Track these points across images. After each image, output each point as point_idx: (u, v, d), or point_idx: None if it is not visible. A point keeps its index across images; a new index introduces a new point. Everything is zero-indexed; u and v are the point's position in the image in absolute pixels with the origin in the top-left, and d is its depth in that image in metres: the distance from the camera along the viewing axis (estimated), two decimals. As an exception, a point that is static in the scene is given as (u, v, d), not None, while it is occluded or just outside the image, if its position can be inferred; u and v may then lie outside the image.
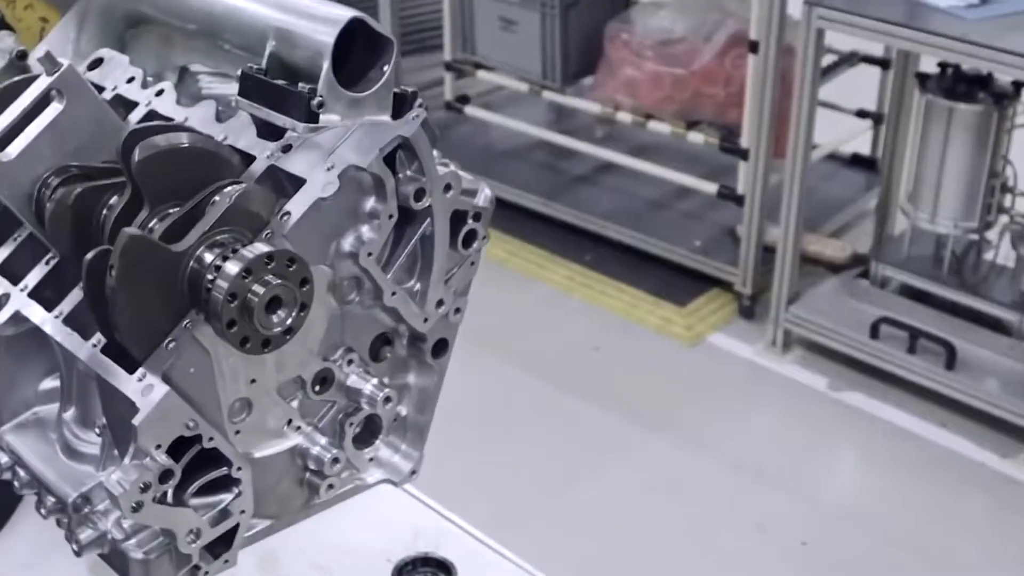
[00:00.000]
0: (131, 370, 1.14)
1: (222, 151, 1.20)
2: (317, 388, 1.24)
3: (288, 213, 1.14)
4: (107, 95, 1.35)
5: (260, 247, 1.09)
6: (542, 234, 5.17)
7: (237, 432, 1.20)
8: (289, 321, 1.11)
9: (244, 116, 1.23)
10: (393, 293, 1.22)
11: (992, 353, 4.16)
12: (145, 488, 1.13)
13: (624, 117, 4.91)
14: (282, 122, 1.16)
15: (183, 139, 1.17)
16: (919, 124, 4.25)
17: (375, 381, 1.25)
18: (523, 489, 3.81)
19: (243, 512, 1.23)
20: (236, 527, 1.24)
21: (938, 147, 4.15)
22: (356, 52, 1.17)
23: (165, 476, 1.14)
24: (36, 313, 1.27)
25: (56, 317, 1.24)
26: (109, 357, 1.17)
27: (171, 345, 1.12)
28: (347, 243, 1.18)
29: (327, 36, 1.14)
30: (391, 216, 1.18)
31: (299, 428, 1.25)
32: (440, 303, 1.26)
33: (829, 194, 5.20)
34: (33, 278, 1.29)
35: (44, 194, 1.25)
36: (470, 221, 1.24)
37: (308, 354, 1.22)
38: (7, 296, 1.29)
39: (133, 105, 1.34)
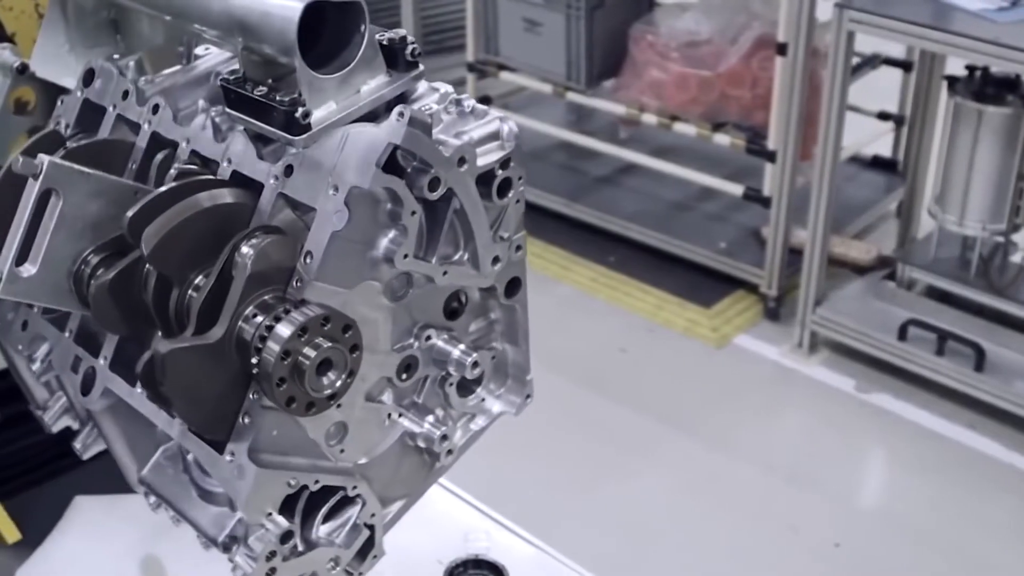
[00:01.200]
0: (220, 447, 1.16)
1: (227, 199, 1.18)
2: (404, 376, 1.24)
3: (310, 253, 1.11)
4: (109, 118, 1.35)
5: (315, 309, 1.09)
6: (565, 235, 5.18)
7: (341, 451, 1.21)
8: (338, 384, 1.12)
9: (241, 136, 1.21)
10: (444, 272, 1.20)
11: (1020, 355, 4.17)
12: (272, 556, 1.18)
13: (649, 119, 4.91)
14: (277, 138, 1.17)
15: (186, 209, 1.15)
16: (947, 127, 4.26)
17: (461, 347, 1.24)
18: (554, 490, 3.82)
19: (373, 515, 1.26)
20: (372, 530, 1.27)
21: (966, 150, 4.16)
22: (329, 23, 1.15)
23: (286, 537, 1.19)
24: (121, 387, 1.28)
25: (140, 392, 1.25)
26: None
27: (246, 420, 1.14)
28: (380, 251, 1.15)
29: (289, 31, 1.11)
30: (413, 213, 1.14)
31: (401, 415, 1.25)
32: (496, 259, 1.23)
33: (851, 196, 5.20)
34: (108, 348, 1.30)
35: (83, 272, 1.25)
36: (499, 172, 1.18)
37: (384, 356, 1.22)
38: (93, 369, 1.30)
39: (135, 126, 1.33)
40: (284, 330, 1.07)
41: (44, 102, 1.68)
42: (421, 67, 1.18)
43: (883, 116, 5.31)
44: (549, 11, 5.09)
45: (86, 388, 1.32)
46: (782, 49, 4.31)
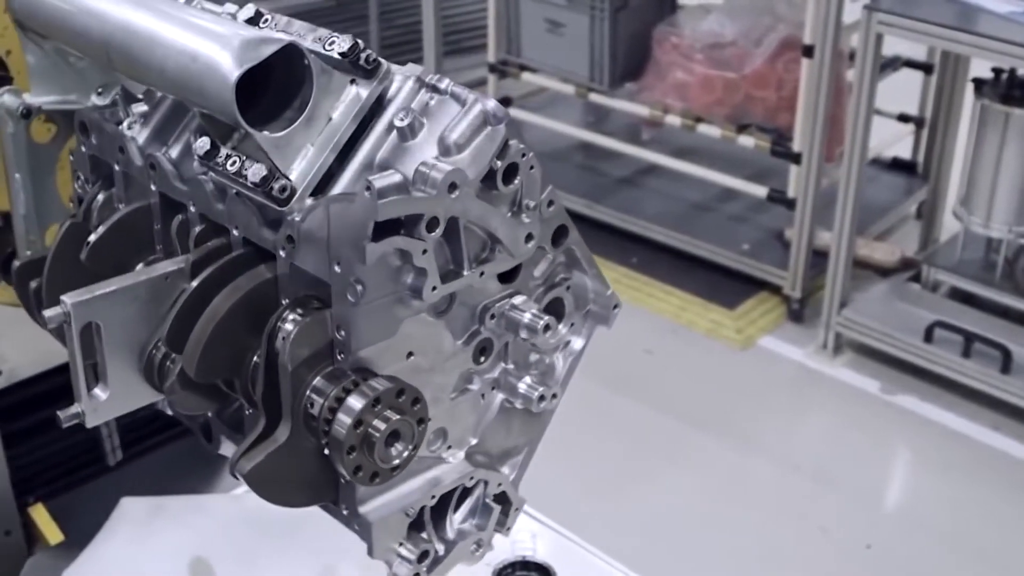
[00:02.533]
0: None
1: (247, 286, 1.17)
2: (483, 360, 1.24)
3: (340, 329, 1.11)
4: (118, 176, 1.35)
5: (384, 383, 1.10)
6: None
7: (448, 448, 1.23)
8: (405, 455, 1.13)
9: (239, 202, 1.20)
10: (481, 274, 1.18)
11: (1045, 357, 4.17)
12: None
13: (673, 120, 4.92)
14: (272, 212, 1.15)
15: (213, 316, 1.16)
16: (973, 129, 4.27)
17: (529, 313, 1.21)
18: (581, 491, 3.82)
19: (500, 485, 1.29)
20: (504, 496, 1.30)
21: (993, 152, 4.17)
22: (268, 69, 1.10)
23: (423, 557, 1.23)
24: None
25: None
26: None
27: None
28: (408, 292, 1.13)
29: (228, 105, 1.07)
30: (424, 252, 1.10)
31: (494, 388, 1.26)
32: (529, 236, 1.19)
33: (871, 198, 5.19)
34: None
35: (154, 358, 1.26)
36: (499, 163, 1.14)
37: (453, 356, 1.22)
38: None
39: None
40: (356, 403, 1.09)
41: (63, 125, 1.67)
42: (384, 65, 1.13)
43: (903, 118, 5.31)
44: (572, 12, 5.09)
45: (207, 436, 1.34)
46: (809, 51, 4.31)
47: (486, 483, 1.28)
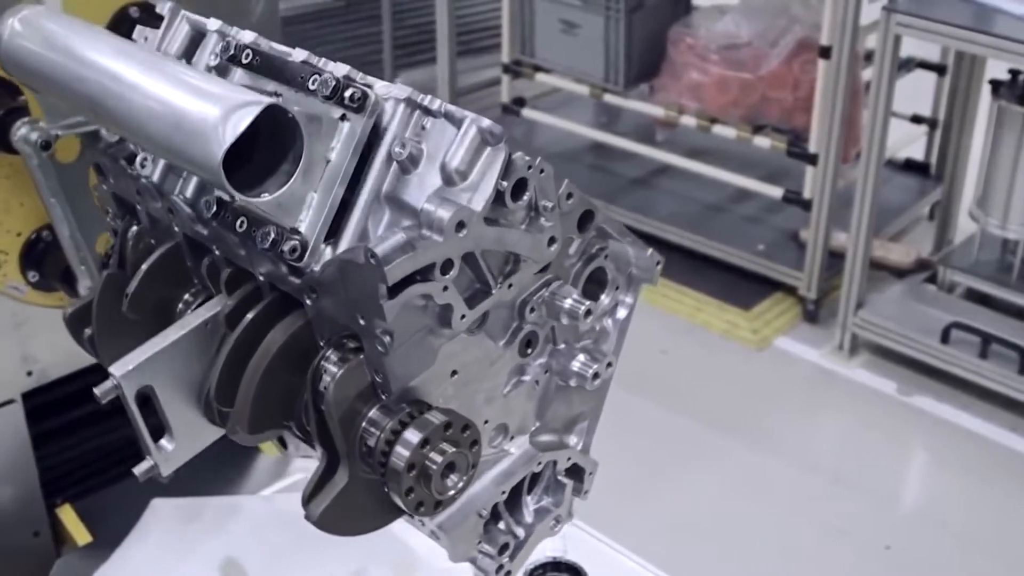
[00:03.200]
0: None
1: (282, 338, 1.17)
2: (530, 351, 1.23)
3: (377, 372, 1.11)
4: (142, 214, 1.34)
5: (439, 416, 1.11)
6: None
7: (511, 439, 1.24)
8: (461, 484, 1.13)
9: (260, 252, 1.18)
10: (510, 285, 1.16)
11: (1062, 358, 4.18)
12: (500, 569, 1.25)
13: (688, 121, 4.92)
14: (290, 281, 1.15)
15: (254, 375, 1.16)
16: (990, 130, 4.27)
17: (569, 300, 1.19)
18: (596, 492, 3.81)
19: (569, 459, 1.30)
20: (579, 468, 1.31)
21: (1010, 153, 4.17)
22: (254, 130, 1.07)
23: (503, 549, 1.24)
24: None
25: None
26: None
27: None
28: (438, 324, 1.12)
29: (218, 178, 1.05)
30: (445, 288, 1.08)
31: (547, 373, 1.26)
32: (551, 240, 1.16)
33: (884, 199, 5.20)
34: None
35: (211, 402, 1.26)
36: (504, 184, 1.09)
37: (499, 358, 1.22)
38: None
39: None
40: (412, 437, 1.09)
41: (88, 138, 1.68)
42: (371, 96, 1.10)
43: (917, 119, 5.32)
44: (587, 13, 5.09)
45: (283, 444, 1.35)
46: (826, 52, 4.32)
47: (555, 463, 1.28)
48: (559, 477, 1.30)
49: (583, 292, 1.21)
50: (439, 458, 1.09)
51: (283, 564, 2.05)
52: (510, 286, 1.15)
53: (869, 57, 4.64)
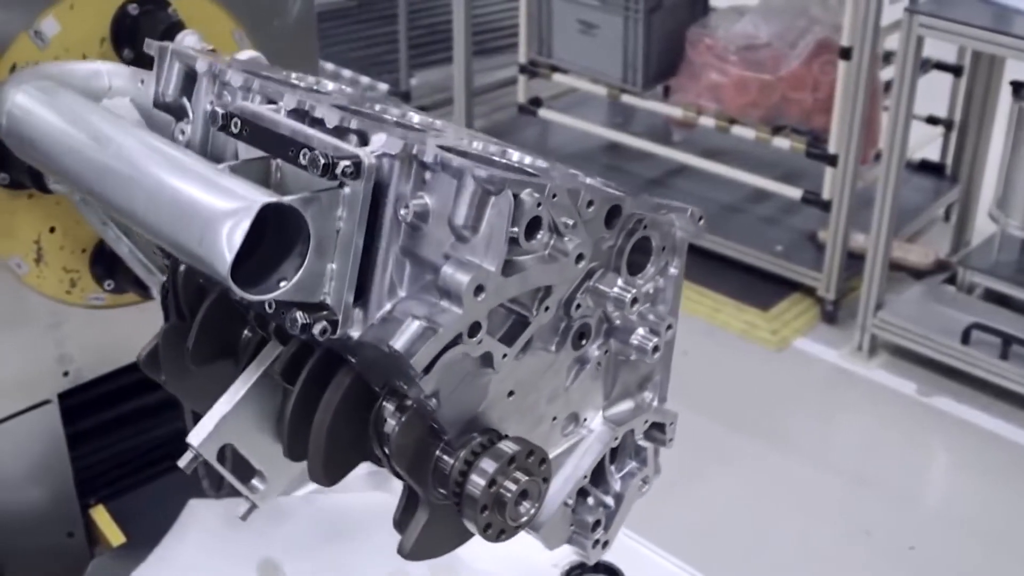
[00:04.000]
0: None
1: (339, 394, 1.17)
2: (585, 342, 1.22)
3: (432, 421, 1.12)
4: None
5: (509, 446, 1.12)
6: None
7: (585, 420, 1.26)
8: (534, 510, 1.14)
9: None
10: (547, 308, 1.15)
11: (1082, 359, 4.18)
12: (596, 542, 1.31)
13: (707, 121, 4.92)
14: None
15: (322, 429, 1.16)
16: (1010, 131, 4.27)
17: (615, 289, 1.18)
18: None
19: (646, 422, 1.31)
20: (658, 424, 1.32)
21: (1032, 154, 4.18)
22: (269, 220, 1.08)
23: (596, 526, 1.30)
24: None
25: None
26: None
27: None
28: (485, 368, 1.13)
29: (233, 290, 1.06)
30: (480, 342, 1.08)
31: (607, 352, 1.25)
32: (580, 257, 1.13)
33: (900, 200, 5.21)
34: None
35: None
36: (514, 229, 1.06)
37: (555, 362, 1.22)
38: None
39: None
40: (486, 467, 1.11)
41: None
42: (365, 161, 1.07)
43: (932, 120, 5.31)
44: (606, 13, 5.09)
45: None
46: (846, 53, 4.32)
47: (632, 430, 1.29)
48: (639, 442, 1.31)
49: (628, 264, 1.20)
50: (513, 487, 1.11)
51: (321, 564, 2.04)
52: (547, 308, 1.14)
53: (886, 58, 4.65)
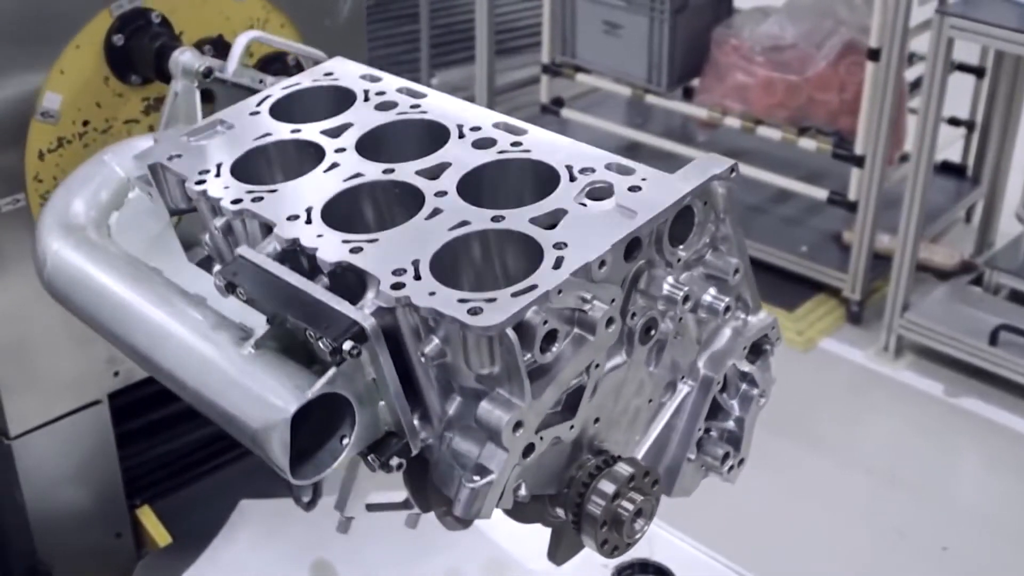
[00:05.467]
0: None
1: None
2: (653, 332, 1.23)
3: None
4: None
5: (624, 468, 1.17)
6: None
7: (682, 378, 1.30)
8: (646, 528, 1.19)
9: None
10: (597, 366, 1.15)
11: (1111, 361, 4.18)
12: (731, 468, 1.37)
13: (732, 122, 4.91)
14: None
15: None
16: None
17: (667, 285, 1.20)
18: (650, 494, 3.82)
19: (745, 348, 1.33)
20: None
21: (1060, 155, 4.18)
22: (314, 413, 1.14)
23: (726, 457, 1.35)
24: None
25: None
26: None
27: None
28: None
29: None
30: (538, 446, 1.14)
31: (681, 320, 1.27)
32: (610, 321, 1.12)
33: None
34: None
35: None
36: (530, 356, 1.08)
37: (633, 367, 1.23)
38: None
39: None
40: (605, 488, 1.16)
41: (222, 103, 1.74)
42: (366, 328, 1.09)
43: (954, 122, 5.31)
44: (631, 14, 5.08)
45: None
46: (874, 54, 4.32)
47: (733, 364, 1.31)
48: (741, 368, 1.31)
49: (671, 235, 1.19)
50: (631, 507, 1.15)
51: (373, 565, 2.05)
52: (597, 366, 1.15)
53: (909, 59, 4.65)
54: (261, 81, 1.74)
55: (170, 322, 1.31)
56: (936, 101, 4.10)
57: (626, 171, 1.23)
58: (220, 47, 1.92)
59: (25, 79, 1.79)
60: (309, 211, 1.22)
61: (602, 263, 1.11)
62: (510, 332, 1.03)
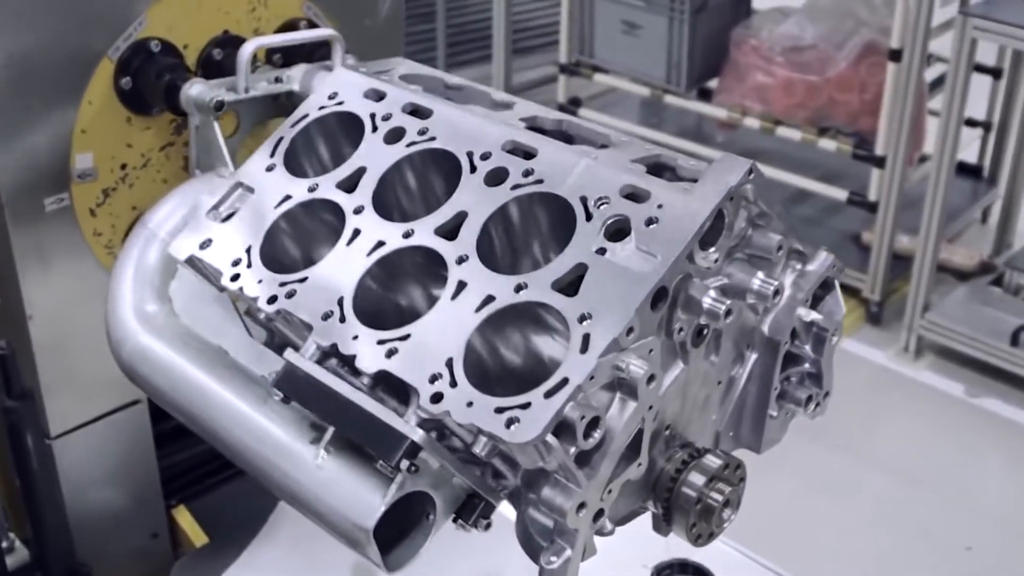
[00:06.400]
0: None
1: None
2: (706, 332, 1.24)
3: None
4: None
5: (713, 460, 1.22)
6: None
7: (749, 347, 1.32)
8: (733, 518, 1.24)
9: None
10: (650, 408, 1.17)
11: None
12: (817, 406, 1.41)
13: (752, 122, 4.91)
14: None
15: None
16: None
17: (757, 279, 1.22)
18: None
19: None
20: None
21: (1082, 157, 4.18)
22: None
23: (808, 400, 1.39)
24: None
25: None
26: None
27: None
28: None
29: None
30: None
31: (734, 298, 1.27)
32: (650, 379, 1.13)
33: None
34: None
35: None
36: (575, 448, 1.11)
37: (684, 366, 1.24)
38: None
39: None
40: (697, 479, 1.21)
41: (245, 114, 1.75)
42: (418, 440, 1.16)
43: (970, 123, 5.31)
44: (650, 14, 5.09)
45: None
46: (896, 55, 4.31)
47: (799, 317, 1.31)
48: (810, 320, 1.31)
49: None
50: (720, 497, 1.19)
51: (416, 565, 2.05)
52: (651, 407, 1.16)
53: (929, 59, 4.64)
54: (278, 80, 1.73)
55: (246, 422, 1.37)
56: (959, 102, 4.10)
57: (641, 198, 1.19)
58: (229, 44, 1.88)
59: (53, 150, 1.78)
60: (341, 303, 1.24)
61: (630, 330, 1.11)
62: (552, 443, 1.07)
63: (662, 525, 1.25)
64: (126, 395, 2.06)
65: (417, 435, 1.13)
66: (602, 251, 1.15)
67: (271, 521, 2.16)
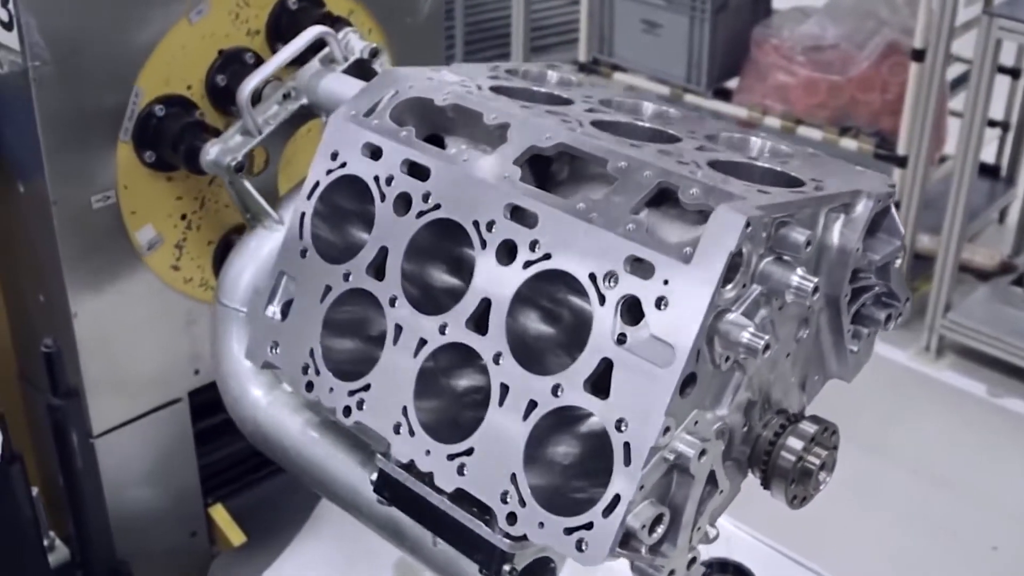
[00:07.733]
0: None
1: None
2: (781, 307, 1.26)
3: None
4: None
5: (810, 425, 1.29)
6: None
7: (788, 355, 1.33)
8: (828, 480, 1.30)
9: None
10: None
11: None
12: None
13: (772, 122, 4.91)
14: None
15: None
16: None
17: (796, 275, 1.19)
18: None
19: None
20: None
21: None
22: None
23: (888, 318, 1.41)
24: None
25: None
26: None
27: None
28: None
29: None
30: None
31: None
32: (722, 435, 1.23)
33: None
34: None
35: None
36: (639, 527, 1.17)
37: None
38: None
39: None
40: (795, 443, 1.28)
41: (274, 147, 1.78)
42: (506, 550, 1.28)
43: (989, 123, 5.29)
44: (671, 13, 5.08)
45: None
46: (919, 55, 4.31)
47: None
48: (868, 261, 1.32)
49: None
50: (817, 460, 1.26)
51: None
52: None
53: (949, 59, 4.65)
54: (286, 96, 1.73)
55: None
56: (983, 103, 4.10)
57: (646, 272, 1.17)
58: (228, 63, 1.86)
59: (100, 148, 1.80)
60: (406, 412, 1.32)
61: (667, 429, 1.15)
62: (661, 508, 1.16)
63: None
64: (168, 393, 2.07)
65: (506, 544, 1.25)
66: (622, 338, 1.17)
67: (315, 515, 2.16)
